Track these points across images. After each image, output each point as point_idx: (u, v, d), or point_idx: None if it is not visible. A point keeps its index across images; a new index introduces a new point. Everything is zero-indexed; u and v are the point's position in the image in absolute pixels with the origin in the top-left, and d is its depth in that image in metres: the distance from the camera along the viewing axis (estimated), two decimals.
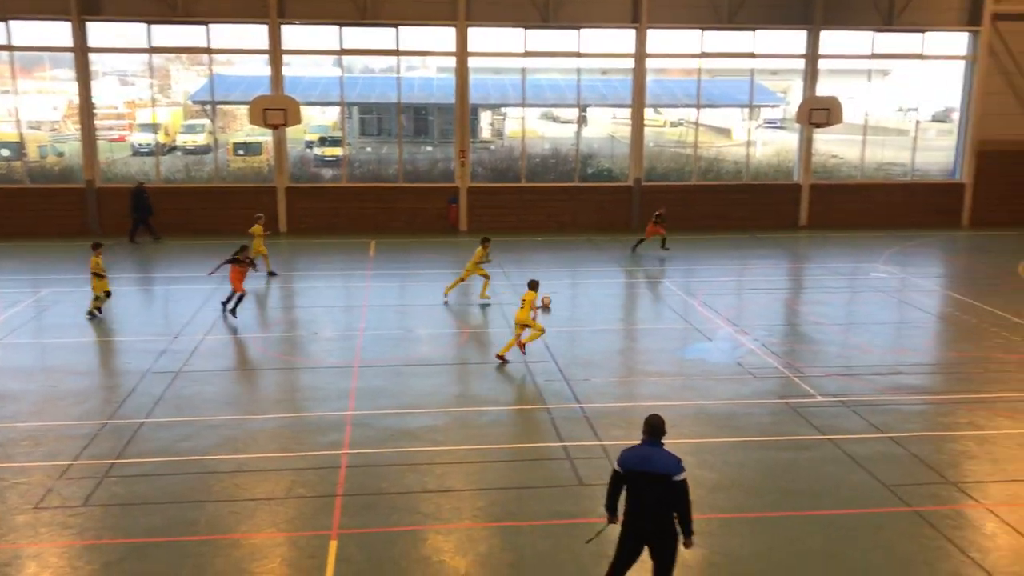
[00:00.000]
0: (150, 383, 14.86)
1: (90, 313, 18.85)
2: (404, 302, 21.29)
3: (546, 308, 16.54)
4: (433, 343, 17.49)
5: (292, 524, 10.11)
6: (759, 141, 34.33)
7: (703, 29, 30.46)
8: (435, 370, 15.79)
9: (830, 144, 33.57)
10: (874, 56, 31.52)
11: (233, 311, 19.00)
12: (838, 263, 25.67)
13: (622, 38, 30.43)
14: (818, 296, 21.73)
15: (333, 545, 9.59)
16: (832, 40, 31.13)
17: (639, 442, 7.90)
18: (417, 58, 32.72)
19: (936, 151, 33.85)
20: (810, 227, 31.59)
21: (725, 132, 38.22)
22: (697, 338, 17.78)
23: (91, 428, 12.90)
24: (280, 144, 29.77)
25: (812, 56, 30.98)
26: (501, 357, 16.07)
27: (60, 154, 32.64)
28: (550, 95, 33.92)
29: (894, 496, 10.89)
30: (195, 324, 18.50)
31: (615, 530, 8.15)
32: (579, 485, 11.12)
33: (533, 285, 16.12)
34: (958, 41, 31.81)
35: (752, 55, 31.00)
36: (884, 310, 20.37)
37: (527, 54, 30.23)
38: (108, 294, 18.99)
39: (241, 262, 19.10)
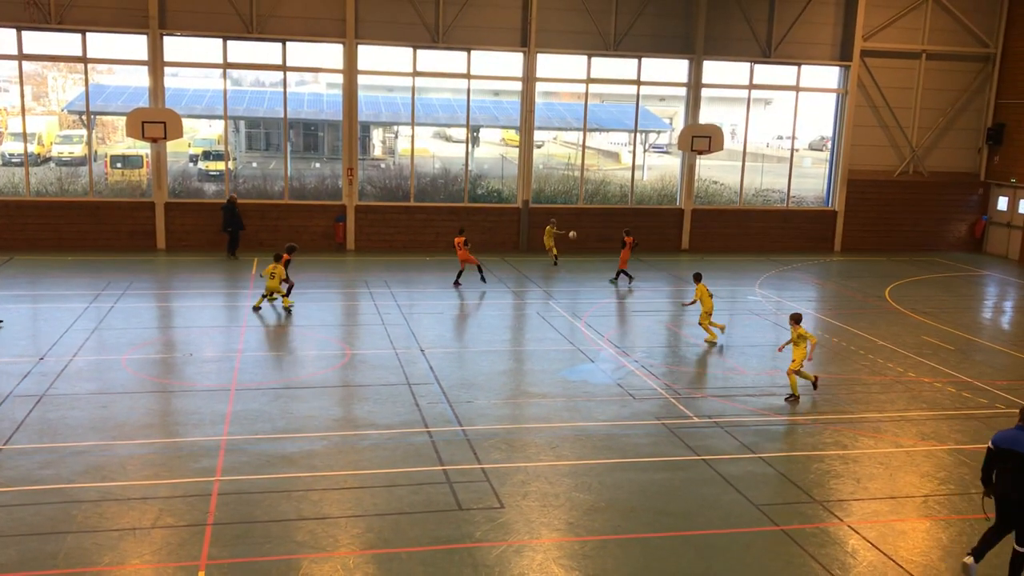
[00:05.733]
0: (10, 407, 14.09)
1: None
2: (284, 323, 20.85)
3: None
4: (315, 365, 17.18)
5: (158, 555, 9.72)
6: (645, 166, 35.18)
7: (590, 55, 31.09)
8: (315, 393, 15.50)
9: (712, 170, 34.66)
10: (753, 87, 32.80)
11: None
12: (716, 286, 26.38)
13: (511, 61, 30.80)
14: (697, 318, 22.28)
15: None
16: (714, 69, 32.28)
17: (1013, 426, 9.41)
18: (309, 73, 32.29)
19: (812, 178, 35.38)
20: (691, 251, 32.50)
21: (613, 156, 38.99)
22: (580, 359, 18.02)
23: None
24: (160, 158, 28.81)
25: (694, 84, 32.00)
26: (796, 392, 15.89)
27: None
28: (441, 115, 33.95)
29: (763, 515, 11.25)
30: (63, 345, 17.67)
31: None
32: (458, 510, 11.06)
33: (797, 318, 15.97)
34: (830, 74, 33.47)
35: (637, 82, 31.81)
36: (759, 332, 21.09)
37: (416, 74, 30.23)
38: None
39: None
